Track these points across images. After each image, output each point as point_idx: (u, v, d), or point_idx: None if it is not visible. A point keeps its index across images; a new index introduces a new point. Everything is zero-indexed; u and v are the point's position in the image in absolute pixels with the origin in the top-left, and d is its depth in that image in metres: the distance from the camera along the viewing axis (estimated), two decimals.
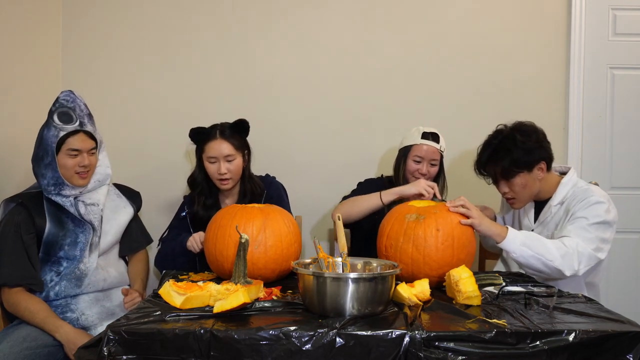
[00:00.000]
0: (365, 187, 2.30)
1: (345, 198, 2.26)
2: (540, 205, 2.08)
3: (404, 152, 2.26)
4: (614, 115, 2.68)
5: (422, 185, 2.03)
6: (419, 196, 2.04)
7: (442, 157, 2.27)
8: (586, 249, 1.81)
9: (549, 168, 1.99)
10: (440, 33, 2.66)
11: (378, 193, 2.10)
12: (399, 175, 2.27)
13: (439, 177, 2.29)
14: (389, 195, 2.08)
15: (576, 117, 2.66)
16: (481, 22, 2.66)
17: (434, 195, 2.03)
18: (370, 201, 2.10)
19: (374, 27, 2.66)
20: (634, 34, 2.67)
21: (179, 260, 2.08)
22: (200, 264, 2.07)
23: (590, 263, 1.83)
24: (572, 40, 2.64)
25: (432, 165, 2.24)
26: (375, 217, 2.07)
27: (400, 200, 2.12)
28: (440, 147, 2.24)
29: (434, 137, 2.24)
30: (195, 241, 2.01)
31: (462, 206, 1.75)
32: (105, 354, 1.23)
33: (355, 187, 2.36)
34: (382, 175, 2.42)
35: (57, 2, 2.61)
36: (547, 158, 1.98)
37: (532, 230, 2.03)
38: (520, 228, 2.13)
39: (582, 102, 2.66)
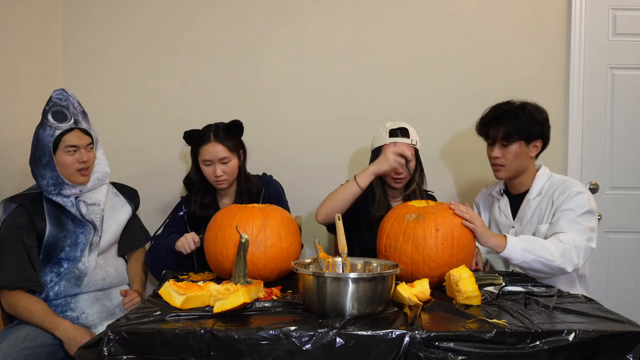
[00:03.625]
0: None
1: None
2: (516, 201, 2.10)
3: (376, 154, 2.14)
4: (614, 115, 2.68)
5: (392, 160, 1.97)
6: (396, 170, 2.05)
7: (417, 150, 2.16)
8: (582, 242, 1.85)
9: (541, 150, 2.06)
10: (440, 33, 2.66)
11: (352, 179, 2.00)
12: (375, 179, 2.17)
13: (416, 172, 2.17)
14: (364, 177, 1.99)
15: (576, 117, 2.66)
16: (481, 22, 2.66)
17: (407, 161, 1.99)
18: (349, 189, 2.00)
19: (373, 28, 2.66)
20: (634, 34, 2.66)
21: (167, 261, 2.05)
22: (199, 264, 2.07)
23: (586, 255, 1.87)
24: (572, 40, 2.64)
25: (408, 161, 2.12)
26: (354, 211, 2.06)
27: (399, 193, 2.10)
28: (412, 141, 2.12)
29: (403, 132, 2.13)
30: (187, 242, 1.99)
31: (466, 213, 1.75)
32: (105, 354, 1.23)
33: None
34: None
35: (57, 2, 2.61)
36: (544, 139, 2.05)
37: (513, 227, 2.07)
38: (497, 227, 2.15)
39: (582, 102, 2.66)
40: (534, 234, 2.00)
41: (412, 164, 2.05)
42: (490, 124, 2.04)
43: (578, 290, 2.00)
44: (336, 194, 2.05)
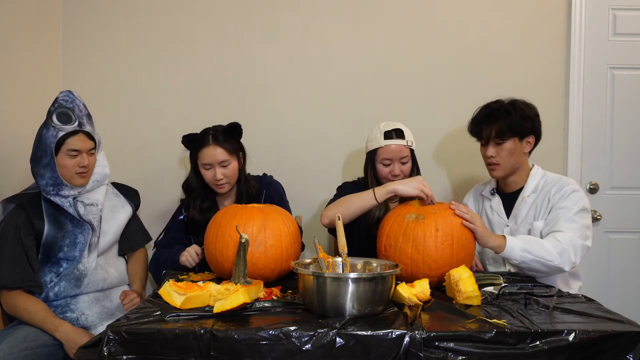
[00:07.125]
0: (344, 191, 2.16)
1: (329, 203, 2.09)
2: (509, 199, 2.11)
3: (371, 157, 2.13)
4: (614, 115, 2.68)
5: (420, 188, 1.86)
6: (393, 172, 2.05)
7: (412, 151, 2.14)
8: (578, 241, 1.86)
9: (534, 147, 2.07)
10: (439, 33, 2.66)
11: (371, 191, 1.94)
12: (369, 181, 2.15)
13: (412, 173, 2.14)
14: (383, 194, 1.91)
15: (576, 117, 2.66)
16: (481, 22, 2.66)
17: (430, 201, 1.88)
18: (365, 201, 1.94)
19: (371, 29, 2.66)
20: (634, 34, 2.66)
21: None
22: (198, 264, 2.06)
23: (583, 253, 1.89)
24: (572, 40, 2.64)
25: (403, 163, 2.11)
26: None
27: (396, 196, 2.06)
28: (407, 142, 2.10)
29: (398, 133, 2.10)
30: (190, 256, 1.99)
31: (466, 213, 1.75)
32: (105, 354, 1.23)
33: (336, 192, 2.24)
34: (358, 178, 2.31)
35: (57, 2, 2.61)
36: (537, 135, 2.07)
37: (507, 226, 2.08)
38: (490, 226, 2.14)
39: (582, 102, 2.66)
40: (529, 231, 2.01)
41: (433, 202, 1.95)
42: (482, 123, 2.05)
43: (572, 286, 2.03)
44: (350, 202, 1.96)
